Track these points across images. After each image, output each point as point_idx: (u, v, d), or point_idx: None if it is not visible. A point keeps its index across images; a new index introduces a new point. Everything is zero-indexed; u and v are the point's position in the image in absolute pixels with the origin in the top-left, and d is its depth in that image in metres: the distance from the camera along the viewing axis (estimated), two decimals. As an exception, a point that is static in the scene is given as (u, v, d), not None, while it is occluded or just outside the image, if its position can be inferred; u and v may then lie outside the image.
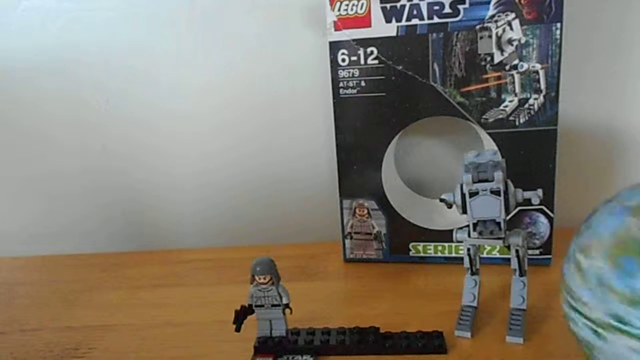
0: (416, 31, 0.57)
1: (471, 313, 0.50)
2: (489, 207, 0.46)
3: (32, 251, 0.78)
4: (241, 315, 0.46)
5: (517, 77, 0.56)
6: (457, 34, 0.56)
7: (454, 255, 0.62)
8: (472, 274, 0.51)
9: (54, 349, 0.51)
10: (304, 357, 0.46)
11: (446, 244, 0.63)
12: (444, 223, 0.62)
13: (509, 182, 0.47)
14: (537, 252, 0.60)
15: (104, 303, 0.60)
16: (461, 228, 0.50)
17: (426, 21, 0.56)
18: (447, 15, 0.55)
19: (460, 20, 0.55)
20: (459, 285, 0.52)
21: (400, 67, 0.58)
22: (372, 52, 0.58)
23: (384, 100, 0.59)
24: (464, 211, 0.47)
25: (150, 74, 0.72)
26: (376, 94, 0.59)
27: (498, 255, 0.61)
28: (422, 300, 0.55)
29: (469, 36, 0.55)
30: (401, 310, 0.53)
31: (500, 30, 0.55)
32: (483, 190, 0.46)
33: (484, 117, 0.57)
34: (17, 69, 0.73)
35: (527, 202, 0.47)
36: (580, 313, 0.35)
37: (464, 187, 0.47)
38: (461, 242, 0.50)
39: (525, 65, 0.55)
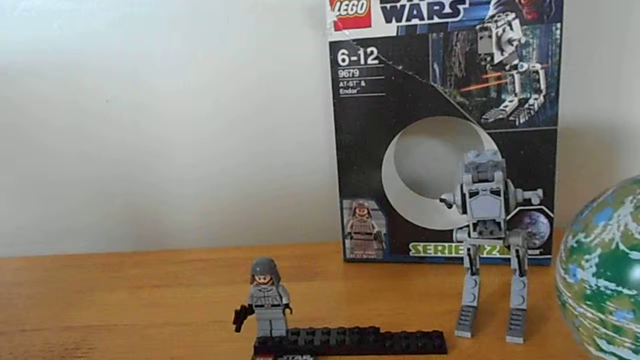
0: (416, 31, 0.56)
1: (471, 313, 0.50)
2: (489, 207, 0.46)
3: (32, 251, 0.78)
4: (241, 315, 0.46)
5: (517, 77, 0.55)
6: (457, 34, 0.56)
7: (454, 255, 0.62)
8: (472, 274, 0.51)
9: (54, 349, 0.51)
10: (304, 357, 0.46)
11: (446, 244, 0.62)
12: (444, 223, 0.62)
13: (509, 182, 0.47)
14: (537, 252, 0.60)
15: (104, 303, 0.60)
16: (461, 228, 0.50)
17: (426, 21, 0.56)
18: (447, 15, 0.55)
19: (460, 20, 0.55)
20: (459, 285, 0.52)
21: (400, 67, 0.58)
22: (372, 52, 0.58)
23: (384, 100, 0.59)
24: (464, 211, 0.47)
25: (148, 76, 0.72)
26: (376, 94, 0.59)
27: (498, 255, 0.61)
28: (422, 300, 0.55)
29: (469, 36, 0.55)
30: (401, 310, 0.53)
31: (500, 30, 0.55)
32: (483, 190, 0.46)
33: (484, 117, 0.57)
34: (16, 70, 0.73)
35: (527, 202, 0.47)
36: None
37: (464, 187, 0.47)
38: (461, 242, 0.50)
39: (525, 65, 0.55)
